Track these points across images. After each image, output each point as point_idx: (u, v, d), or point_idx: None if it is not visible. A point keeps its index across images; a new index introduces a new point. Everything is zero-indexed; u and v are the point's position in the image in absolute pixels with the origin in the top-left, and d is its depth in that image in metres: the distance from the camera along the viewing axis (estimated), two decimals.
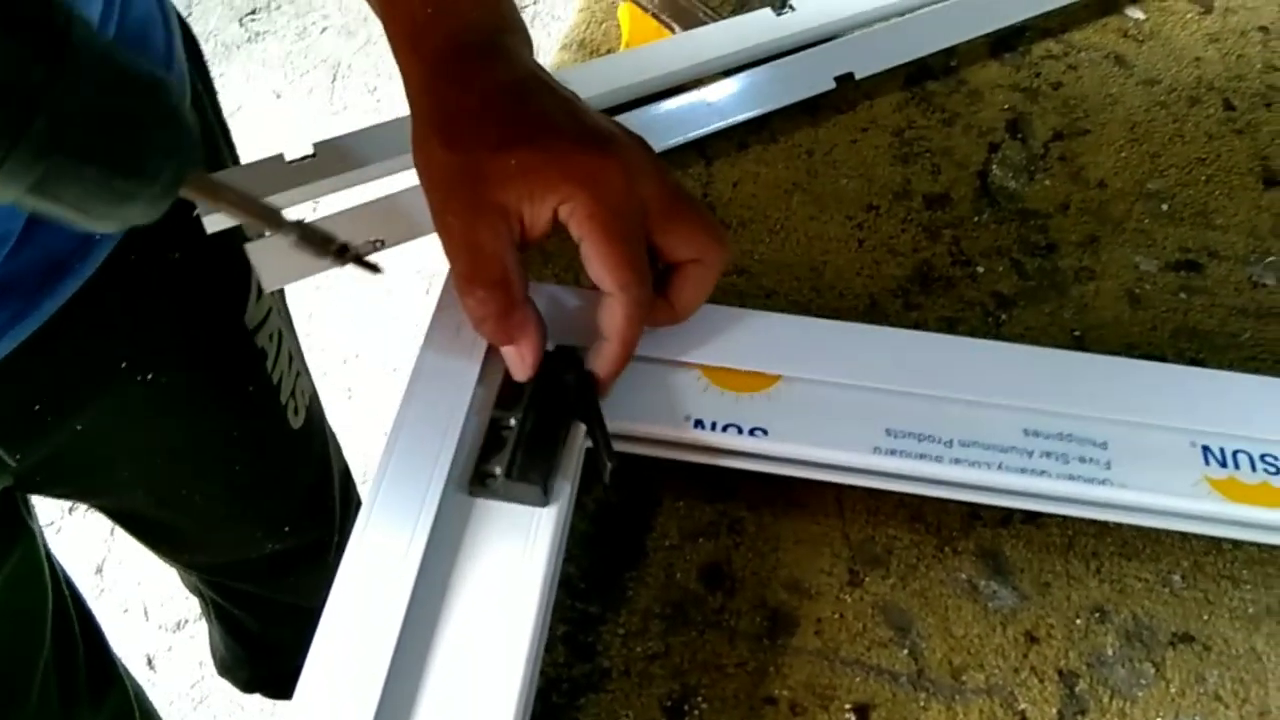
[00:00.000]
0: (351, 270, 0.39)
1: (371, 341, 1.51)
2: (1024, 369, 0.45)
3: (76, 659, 0.73)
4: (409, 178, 0.56)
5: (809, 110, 0.64)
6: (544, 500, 0.40)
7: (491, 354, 0.44)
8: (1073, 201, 0.61)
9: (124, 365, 0.55)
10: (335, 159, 0.56)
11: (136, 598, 1.27)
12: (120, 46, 0.27)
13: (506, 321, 0.40)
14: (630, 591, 0.45)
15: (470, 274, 0.40)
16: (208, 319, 0.60)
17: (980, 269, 0.57)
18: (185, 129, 0.29)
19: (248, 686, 1.01)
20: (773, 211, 0.59)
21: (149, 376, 0.57)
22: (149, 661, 1.23)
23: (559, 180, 0.38)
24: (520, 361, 0.41)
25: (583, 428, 0.42)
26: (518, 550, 0.39)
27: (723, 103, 0.62)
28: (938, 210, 0.60)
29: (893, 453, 0.42)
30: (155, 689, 1.21)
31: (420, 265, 1.58)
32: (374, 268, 0.39)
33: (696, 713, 0.42)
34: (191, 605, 1.27)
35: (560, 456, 0.41)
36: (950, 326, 0.55)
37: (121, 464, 0.63)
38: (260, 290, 0.64)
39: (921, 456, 0.42)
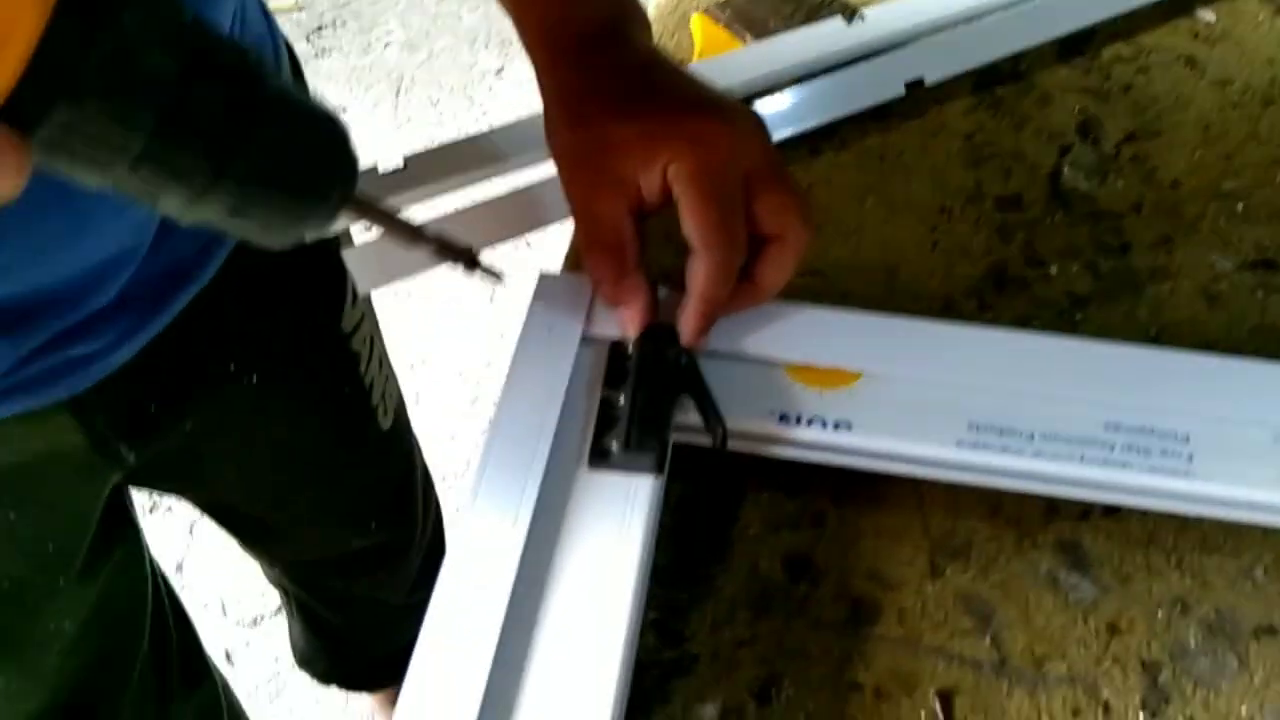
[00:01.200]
0: (462, 277, 0.42)
1: (438, 347, 1.55)
2: (1104, 364, 0.45)
3: (170, 651, 0.76)
4: (490, 189, 0.59)
5: (879, 116, 0.65)
6: (658, 469, 0.42)
7: (585, 344, 0.46)
8: (1146, 202, 0.61)
9: (232, 367, 0.58)
10: (424, 170, 0.59)
11: (215, 595, 1.32)
12: (291, 82, 0.30)
13: (620, 285, 0.44)
14: (716, 581, 0.47)
15: (590, 240, 0.44)
16: (308, 323, 0.63)
17: (1054, 269, 0.58)
18: (350, 154, 0.31)
19: (325, 678, 1.04)
20: (846, 215, 0.61)
21: (253, 379, 0.60)
22: (227, 656, 1.27)
23: (668, 140, 0.41)
24: (630, 322, 0.45)
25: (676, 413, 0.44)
26: (618, 522, 0.41)
27: (794, 110, 0.63)
28: (1010, 212, 0.61)
29: (976, 446, 0.43)
30: (233, 682, 1.24)
31: None
32: (497, 276, 0.42)
33: (784, 697, 0.44)
34: (268, 602, 1.30)
35: (669, 429, 0.43)
36: (1024, 326, 0.55)
37: (223, 462, 0.66)
38: (355, 296, 0.66)
39: (1004, 450, 0.43)
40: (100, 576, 0.63)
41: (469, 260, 0.39)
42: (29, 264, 0.41)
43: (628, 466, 0.43)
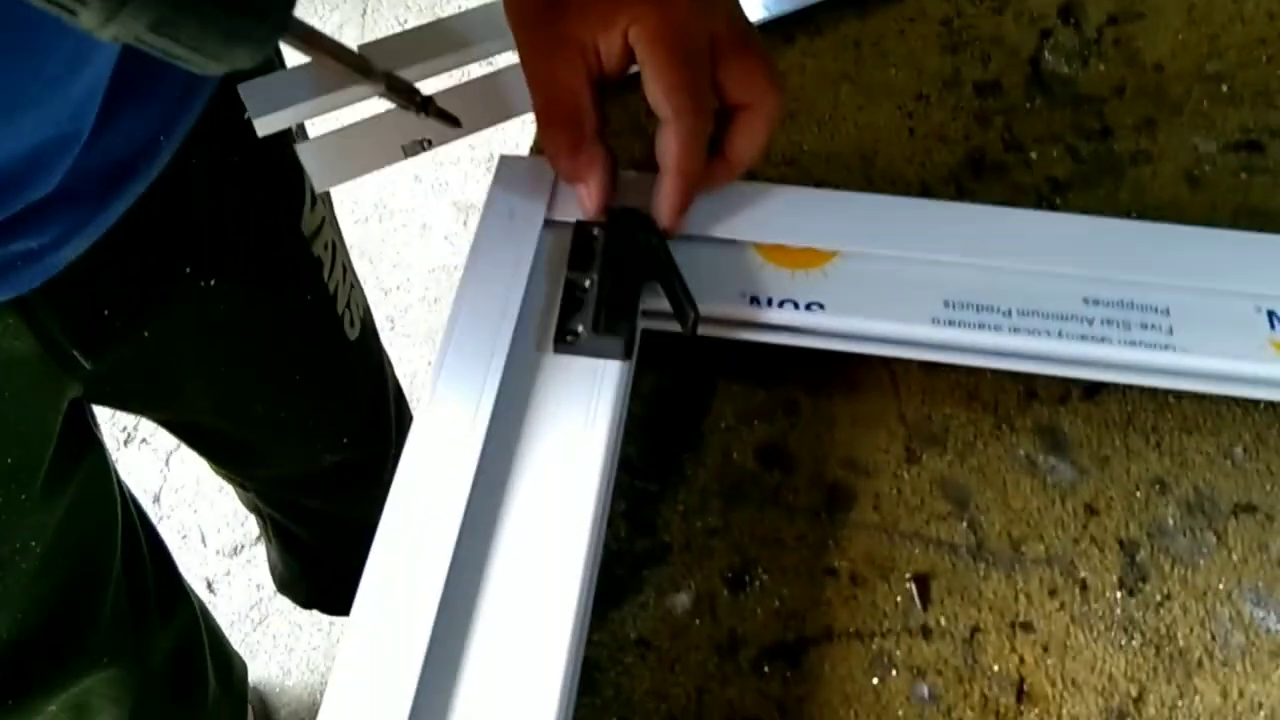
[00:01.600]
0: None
1: (412, 274, 1.52)
2: (1082, 238, 0.44)
3: (145, 574, 0.75)
4: (452, 79, 0.56)
5: (856, 2, 0.62)
6: (626, 353, 0.41)
7: (548, 227, 0.44)
8: (1128, 85, 0.59)
9: (187, 270, 0.56)
10: (380, 60, 0.56)
11: (194, 525, 1.31)
12: None
13: (577, 157, 0.42)
14: (688, 471, 0.46)
15: (546, 109, 0.42)
16: (265, 225, 0.61)
17: (1033, 155, 0.56)
18: None
19: (306, 602, 1.04)
20: (821, 103, 0.58)
21: (211, 283, 0.57)
22: (209, 585, 1.26)
23: (628, 2, 0.39)
24: (588, 198, 0.43)
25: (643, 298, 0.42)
26: (585, 408, 0.40)
27: None
28: (988, 98, 0.59)
29: (951, 323, 0.42)
30: (216, 611, 1.24)
31: (458, 197, 1.58)
32: (453, 120, 0.40)
33: (758, 584, 0.43)
34: (248, 531, 1.30)
35: (638, 314, 0.41)
36: None
37: (186, 374, 0.64)
38: (314, 199, 0.64)
39: (980, 327, 0.42)
40: (65, 495, 0.61)
41: (421, 102, 0.37)
42: None
43: (595, 351, 0.41)
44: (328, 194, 0.70)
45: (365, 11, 1.84)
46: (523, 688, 0.34)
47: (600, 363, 0.42)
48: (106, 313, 0.54)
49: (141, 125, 0.48)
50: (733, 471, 0.46)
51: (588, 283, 0.43)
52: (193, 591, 0.85)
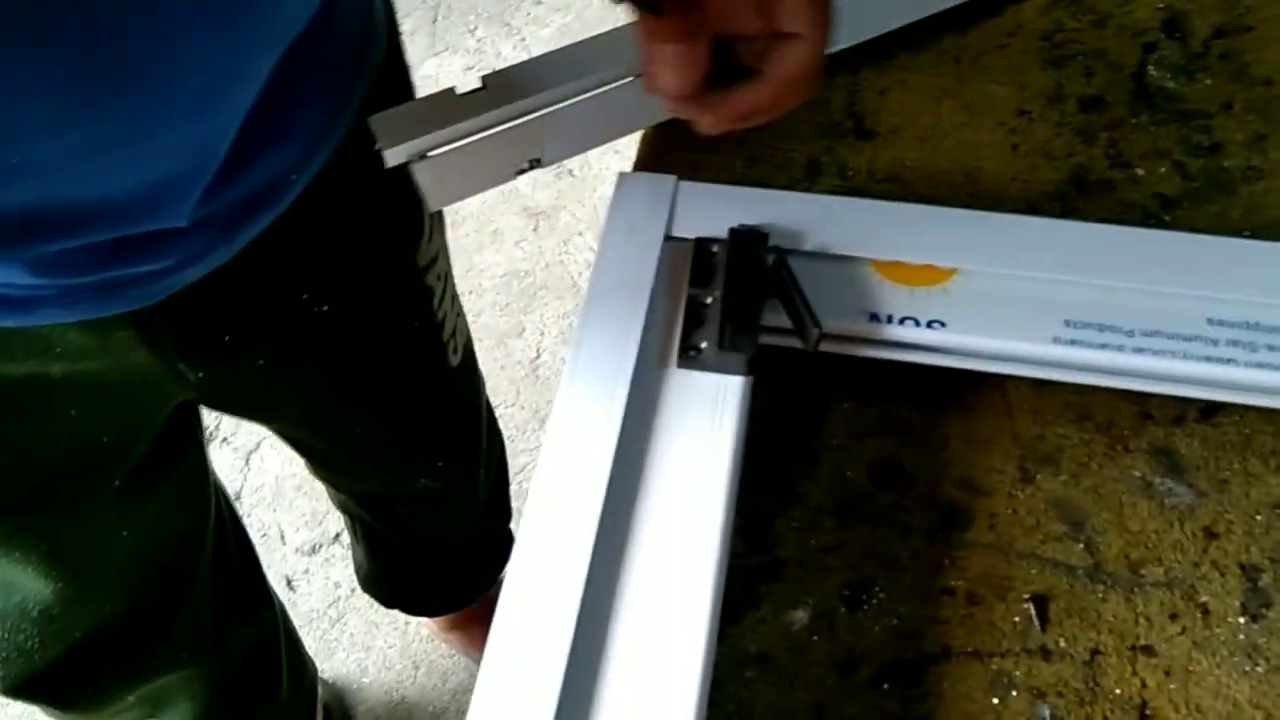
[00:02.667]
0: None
1: (483, 279, 1.54)
2: (1203, 258, 0.44)
3: (232, 575, 0.77)
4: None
5: (954, 18, 0.62)
6: (750, 369, 0.41)
7: (668, 243, 0.45)
8: (1236, 100, 0.59)
9: (305, 297, 0.58)
10: (504, 91, 0.57)
11: (273, 523, 1.34)
12: None
13: (693, 42, 0.40)
14: (801, 489, 0.46)
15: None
16: (384, 255, 0.63)
17: (1140, 171, 0.56)
18: None
19: (388, 601, 1.06)
20: (923, 119, 0.59)
21: (325, 309, 0.59)
22: (288, 583, 1.29)
23: None
24: (678, 69, 0.41)
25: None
26: (709, 423, 0.41)
27: (867, 14, 0.61)
28: (1093, 113, 0.59)
29: (1074, 343, 0.42)
30: (294, 609, 1.27)
31: (528, 204, 1.60)
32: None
33: (875, 601, 0.43)
34: (326, 530, 1.32)
35: (759, 330, 0.42)
36: None
37: (293, 393, 0.66)
38: (431, 230, 0.66)
39: (1103, 347, 0.42)
40: (159, 491, 0.63)
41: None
42: (80, 160, 0.40)
43: (719, 366, 0.42)
44: (443, 226, 0.72)
45: (436, 19, 1.87)
46: (657, 703, 0.35)
47: (723, 378, 0.42)
48: (223, 334, 0.56)
49: (276, 163, 0.50)
50: (846, 489, 0.46)
51: (710, 299, 0.43)
52: (274, 594, 0.87)
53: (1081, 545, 0.44)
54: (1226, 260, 0.44)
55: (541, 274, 1.55)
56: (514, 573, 0.37)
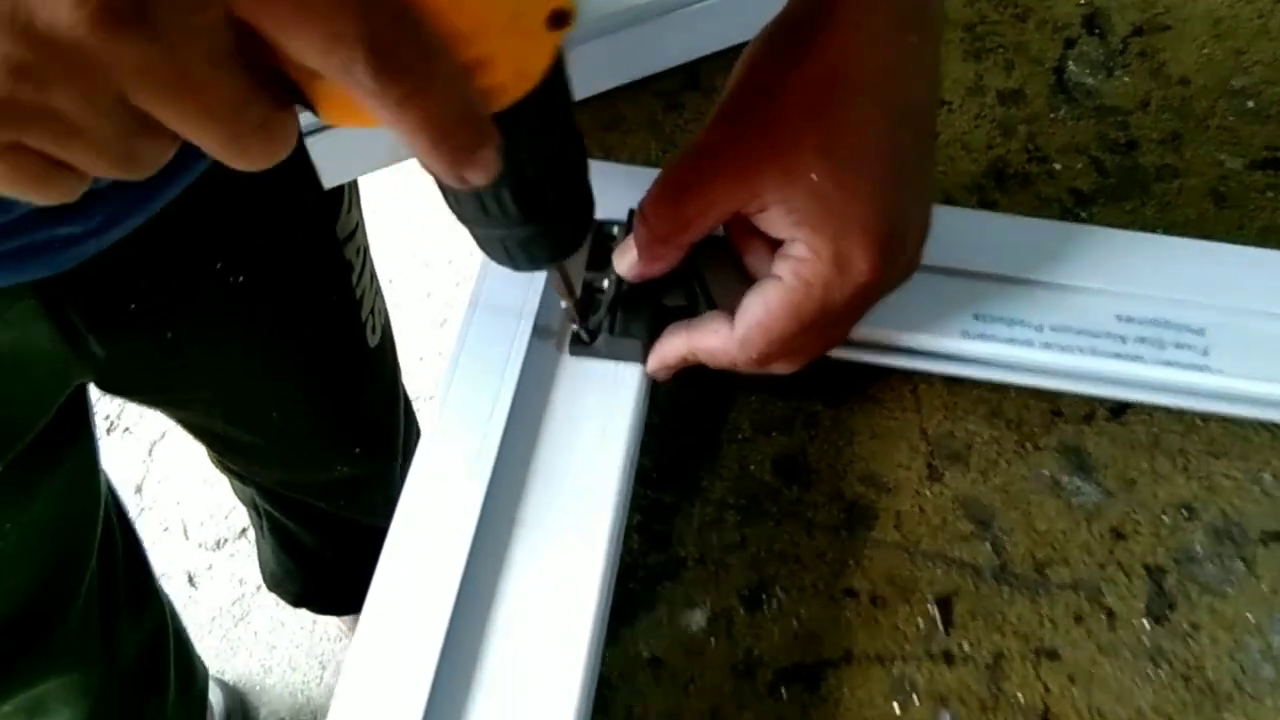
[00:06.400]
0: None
1: (406, 267, 1.50)
2: (1115, 253, 0.43)
3: (118, 570, 0.73)
4: None
5: None
6: (643, 357, 0.39)
7: None
8: (1153, 98, 0.58)
9: (219, 266, 0.54)
10: None
11: (176, 517, 1.28)
12: None
13: (662, 244, 0.36)
14: (704, 483, 0.44)
15: (679, 183, 0.36)
16: (302, 225, 0.59)
17: (1058, 166, 0.55)
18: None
19: (298, 601, 1.01)
20: None
21: (240, 279, 0.56)
22: (190, 579, 1.24)
23: (801, 224, 0.33)
24: (630, 267, 0.38)
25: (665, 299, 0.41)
26: (602, 413, 0.39)
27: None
28: (1012, 106, 0.58)
29: (982, 337, 0.41)
30: (198, 605, 1.22)
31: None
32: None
33: (775, 602, 0.41)
34: (231, 524, 1.27)
35: (657, 316, 0.40)
36: None
37: (204, 370, 0.62)
38: (351, 202, 0.62)
39: (1011, 341, 0.41)
40: (47, 483, 0.59)
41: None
42: None
43: (612, 353, 0.40)
44: (359, 199, 0.68)
45: None
46: (537, 707, 0.33)
47: (618, 366, 0.40)
48: (131, 304, 0.52)
49: None
50: (750, 484, 0.44)
51: (605, 283, 0.41)
52: (163, 593, 0.83)
53: (988, 545, 0.43)
54: (1136, 256, 0.43)
55: (466, 262, 1.51)
56: (382, 572, 0.34)
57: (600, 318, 0.40)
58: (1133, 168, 0.55)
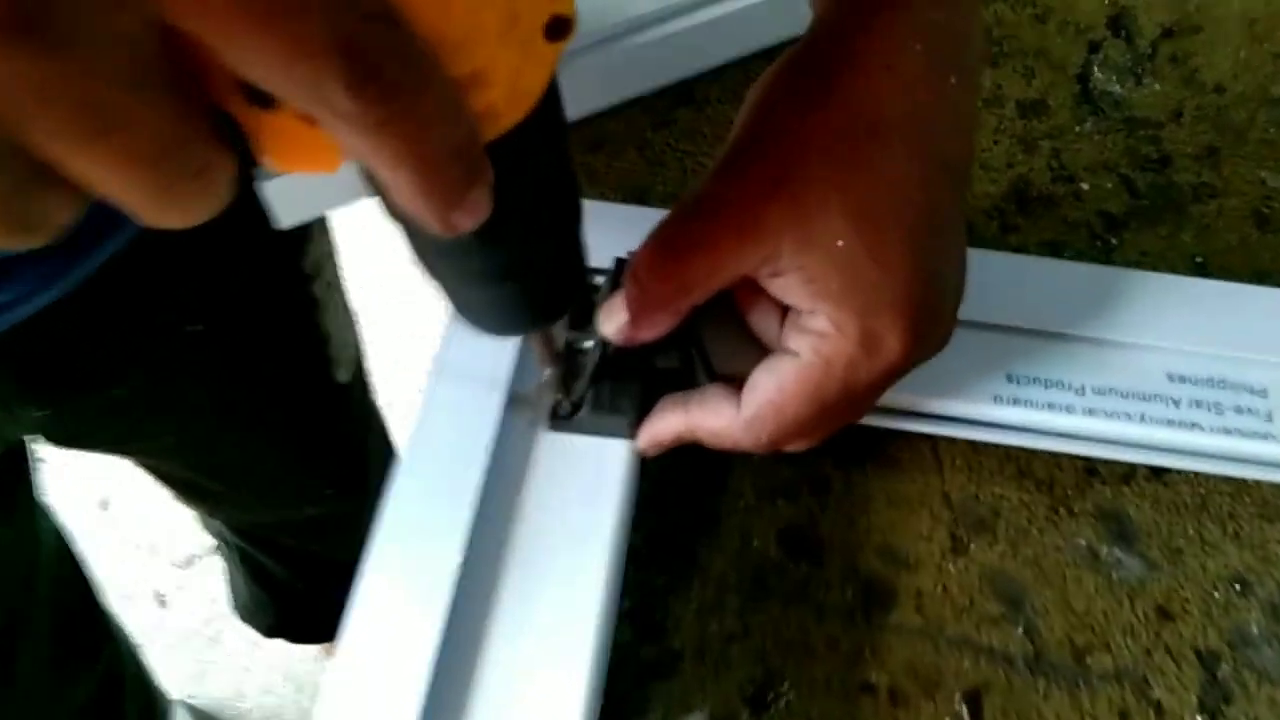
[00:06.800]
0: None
1: (388, 304, 1.44)
2: (1165, 301, 0.38)
3: (71, 621, 0.68)
4: None
5: None
6: (632, 433, 0.34)
7: None
8: (1186, 108, 0.53)
9: (172, 318, 0.49)
10: None
11: (144, 534, 1.23)
12: None
13: (657, 310, 0.31)
14: (702, 560, 0.39)
15: (682, 245, 0.30)
16: (262, 264, 0.54)
17: (1085, 185, 0.50)
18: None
19: (270, 632, 0.96)
20: None
21: (198, 328, 0.50)
22: (159, 599, 1.19)
23: (827, 290, 0.28)
24: (620, 328, 0.33)
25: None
26: (587, 496, 0.34)
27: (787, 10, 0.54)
28: (1033, 119, 0.53)
29: (1015, 402, 0.36)
30: (167, 626, 1.17)
31: None
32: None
33: (783, 702, 0.37)
34: (203, 540, 1.22)
35: (648, 383, 0.35)
36: (1054, 252, 0.48)
37: (161, 426, 0.57)
38: (318, 238, 0.57)
39: (1049, 407, 0.36)
40: None
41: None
42: None
43: (597, 429, 0.35)
44: (329, 225, 0.63)
45: None
46: None
47: (605, 441, 0.35)
48: (72, 365, 0.46)
49: None
50: (754, 561, 0.40)
51: (588, 344, 0.36)
52: (121, 631, 0.77)
53: (1020, 629, 0.38)
54: (1189, 305, 0.38)
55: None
56: (331, 685, 0.30)
57: (584, 388, 0.35)
58: (1166, 186, 0.50)
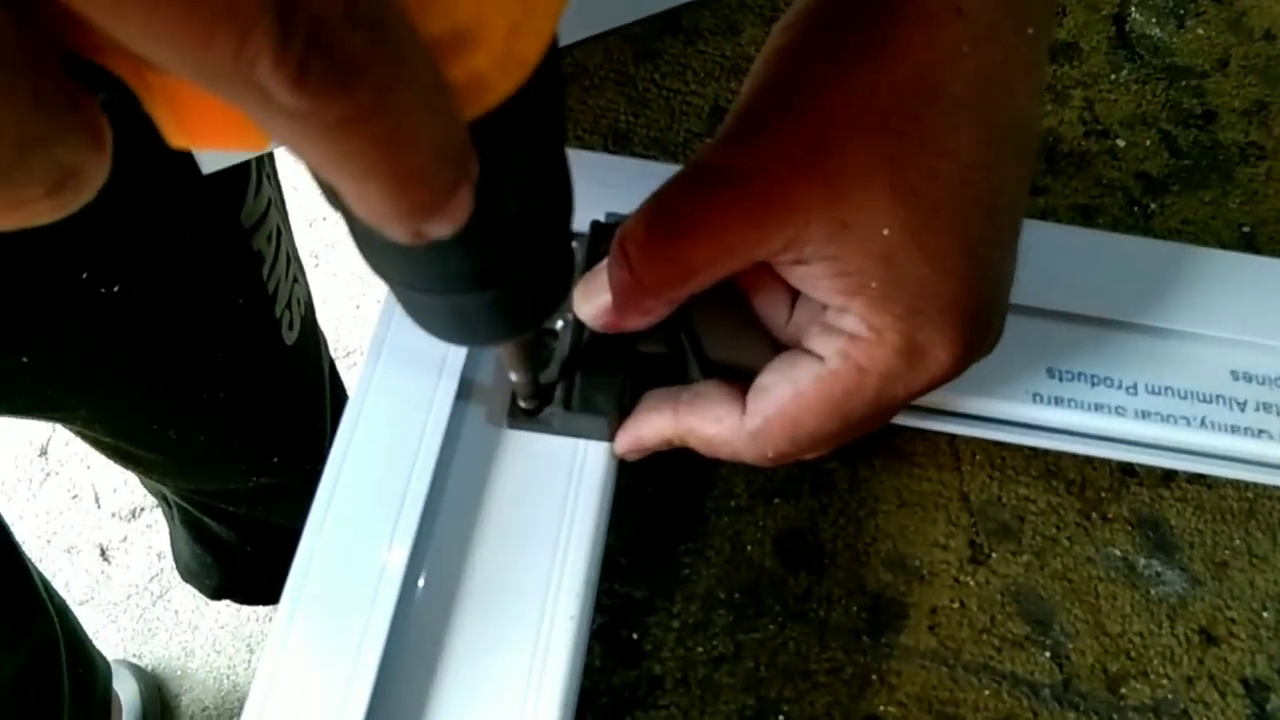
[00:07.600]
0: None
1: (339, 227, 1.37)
2: (1225, 285, 0.33)
3: None
4: None
5: None
6: (609, 434, 0.29)
7: None
8: (1233, 57, 0.48)
9: (85, 276, 0.43)
10: None
11: (86, 482, 1.16)
12: None
13: (648, 299, 0.26)
14: (686, 570, 0.34)
15: (675, 227, 0.25)
16: (195, 215, 0.47)
17: (1121, 142, 0.45)
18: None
19: (216, 594, 0.91)
20: None
21: (115, 289, 0.44)
22: (103, 552, 1.13)
23: (858, 279, 0.23)
24: (600, 312, 0.27)
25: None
26: (556, 503, 0.28)
27: None
28: (1064, 64, 0.47)
29: (1057, 403, 0.31)
30: (111, 582, 1.11)
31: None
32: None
33: None
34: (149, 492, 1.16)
35: (625, 376, 0.29)
36: (1086, 217, 0.42)
37: (76, 395, 0.50)
38: (260, 179, 0.50)
39: (1096, 409, 0.31)
40: None
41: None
42: None
43: (568, 430, 0.29)
44: (273, 170, 0.56)
45: None
46: None
47: (580, 441, 0.30)
48: None
49: None
50: (745, 571, 0.35)
51: (559, 324, 0.30)
52: (50, 598, 0.72)
53: (1048, 654, 0.34)
54: (1257, 289, 0.33)
55: None
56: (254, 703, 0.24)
57: (552, 378, 0.29)
58: (1211, 146, 0.45)
